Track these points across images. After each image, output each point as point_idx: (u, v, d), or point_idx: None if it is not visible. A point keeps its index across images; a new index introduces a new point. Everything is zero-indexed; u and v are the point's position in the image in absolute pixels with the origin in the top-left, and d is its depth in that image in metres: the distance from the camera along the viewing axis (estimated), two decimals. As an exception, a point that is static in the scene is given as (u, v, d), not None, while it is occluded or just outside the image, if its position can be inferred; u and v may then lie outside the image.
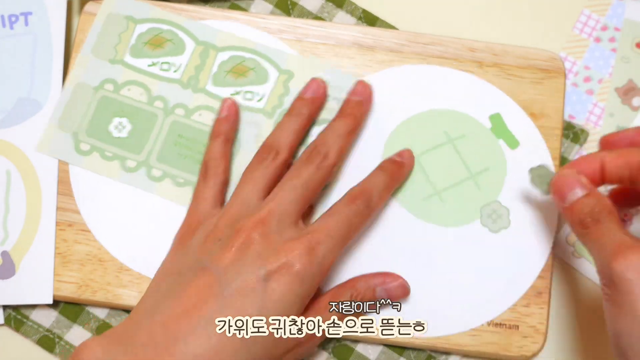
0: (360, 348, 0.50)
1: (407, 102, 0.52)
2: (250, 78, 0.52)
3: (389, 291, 0.48)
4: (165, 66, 0.52)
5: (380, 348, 0.50)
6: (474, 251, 0.50)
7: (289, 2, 0.56)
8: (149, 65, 0.52)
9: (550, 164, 0.51)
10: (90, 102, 0.51)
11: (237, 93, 0.52)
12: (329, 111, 0.51)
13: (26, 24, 0.53)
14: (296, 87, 0.52)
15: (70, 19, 0.55)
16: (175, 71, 0.52)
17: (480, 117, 0.52)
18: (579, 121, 0.55)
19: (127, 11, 0.53)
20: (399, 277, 0.48)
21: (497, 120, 0.52)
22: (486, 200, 0.51)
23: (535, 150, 0.51)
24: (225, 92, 0.52)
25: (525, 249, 0.50)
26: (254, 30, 0.53)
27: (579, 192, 0.43)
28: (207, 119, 0.51)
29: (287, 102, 0.51)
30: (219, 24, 0.53)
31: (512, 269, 0.50)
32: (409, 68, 0.53)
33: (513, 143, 0.52)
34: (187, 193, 0.50)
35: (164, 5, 0.53)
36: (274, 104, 0.52)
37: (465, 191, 0.51)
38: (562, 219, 0.50)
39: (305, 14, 0.56)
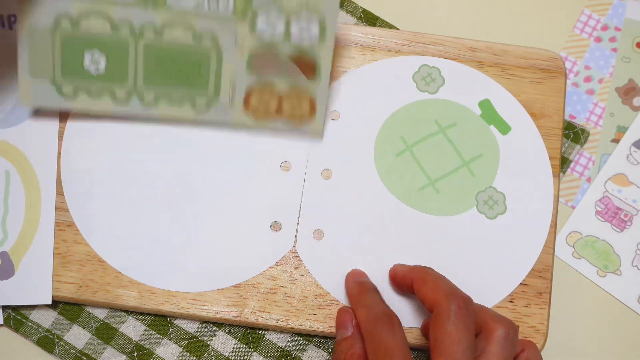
0: (360, 348, 0.50)
1: (394, 94, 0.52)
2: None
3: None
4: None
5: (380, 348, 0.50)
6: (472, 239, 0.50)
7: (288, 2, 0.55)
8: None
9: (543, 149, 0.51)
10: (54, 46, 0.48)
11: (201, 2, 0.48)
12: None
13: None
14: None
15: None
16: None
17: (469, 104, 0.52)
18: (579, 121, 0.55)
19: None
20: None
21: (486, 106, 0.52)
22: (481, 187, 0.51)
23: (526, 134, 0.51)
24: (187, 1, 0.48)
25: (523, 233, 0.50)
26: None
27: (345, 333, 0.46)
28: (179, 37, 0.49)
29: (256, 0, 0.48)
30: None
31: (511, 253, 0.50)
32: (394, 60, 0.53)
33: (504, 128, 0.52)
34: (188, 109, 0.49)
35: None
36: (242, 5, 0.48)
37: (460, 179, 0.51)
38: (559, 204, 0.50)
39: (305, 13, 0.55)
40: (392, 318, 0.43)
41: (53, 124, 0.52)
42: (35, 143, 0.51)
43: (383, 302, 0.46)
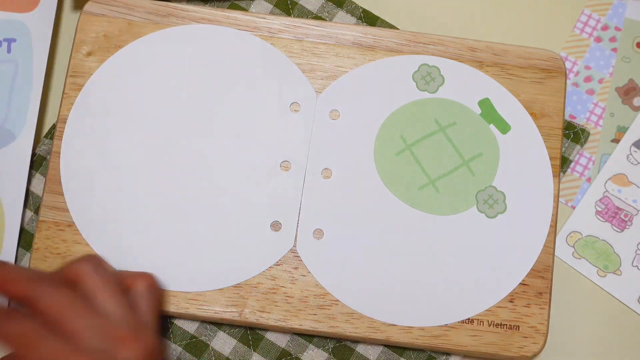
0: (360, 349, 0.50)
1: (394, 93, 0.52)
2: None
3: None
4: None
5: (380, 349, 0.50)
6: (472, 238, 0.50)
7: (289, 2, 0.56)
8: None
9: (543, 149, 0.51)
10: None
11: None
12: None
13: (9, 51, 0.51)
14: None
15: (60, 17, 0.55)
16: None
17: (469, 103, 0.52)
18: (579, 121, 0.55)
19: None
20: None
21: (486, 105, 0.52)
22: (481, 185, 0.51)
23: (526, 134, 0.51)
24: None
25: (523, 232, 0.50)
26: None
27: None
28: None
29: None
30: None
31: (511, 253, 0.50)
32: (394, 59, 0.53)
33: (504, 127, 0.52)
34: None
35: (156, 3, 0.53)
36: None
37: (460, 178, 0.51)
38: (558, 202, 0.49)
39: (305, 13, 0.55)
40: (44, 277, 0.39)
41: (25, 161, 0.51)
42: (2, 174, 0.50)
43: (20, 266, 0.40)
